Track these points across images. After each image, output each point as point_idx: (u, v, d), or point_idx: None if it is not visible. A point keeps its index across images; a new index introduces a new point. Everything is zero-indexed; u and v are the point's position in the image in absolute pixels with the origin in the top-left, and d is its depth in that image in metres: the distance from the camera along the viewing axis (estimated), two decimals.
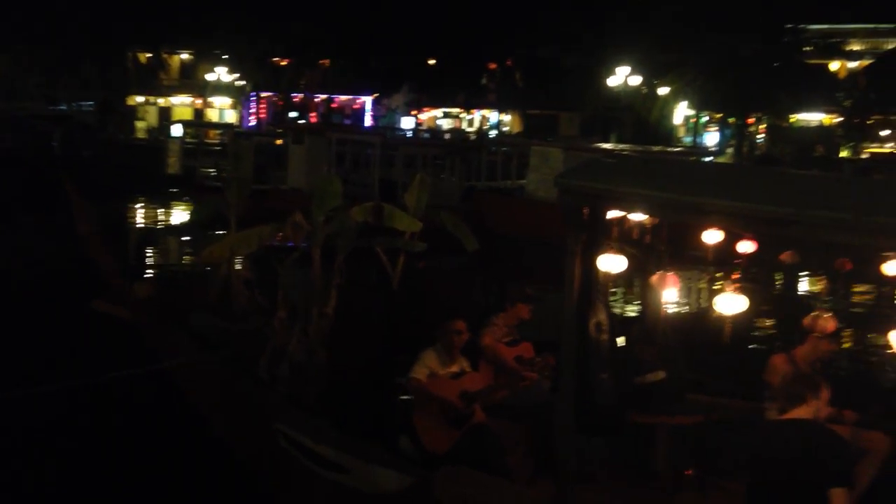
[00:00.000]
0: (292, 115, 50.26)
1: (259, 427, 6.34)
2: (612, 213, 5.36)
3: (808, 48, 42.32)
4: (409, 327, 6.88)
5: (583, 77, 42.96)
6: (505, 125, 53.75)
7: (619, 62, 38.55)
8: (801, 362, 5.86)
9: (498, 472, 5.61)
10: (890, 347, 5.04)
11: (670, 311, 6.91)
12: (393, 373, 6.30)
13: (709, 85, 38.84)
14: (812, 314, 5.24)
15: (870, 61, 40.61)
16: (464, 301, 7.53)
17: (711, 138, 46.73)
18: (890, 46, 39.92)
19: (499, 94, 52.84)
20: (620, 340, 6.46)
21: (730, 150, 41.94)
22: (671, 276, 5.61)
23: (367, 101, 54.36)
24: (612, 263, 5.04)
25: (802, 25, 42.59)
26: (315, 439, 5.96)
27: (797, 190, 4.91)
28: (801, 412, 4.51)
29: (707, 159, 33.02)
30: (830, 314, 5.11)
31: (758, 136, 45.86)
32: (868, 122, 40.25)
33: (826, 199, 4.57)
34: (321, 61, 52.96)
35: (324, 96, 54.20)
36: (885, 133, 42.74)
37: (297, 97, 52.99)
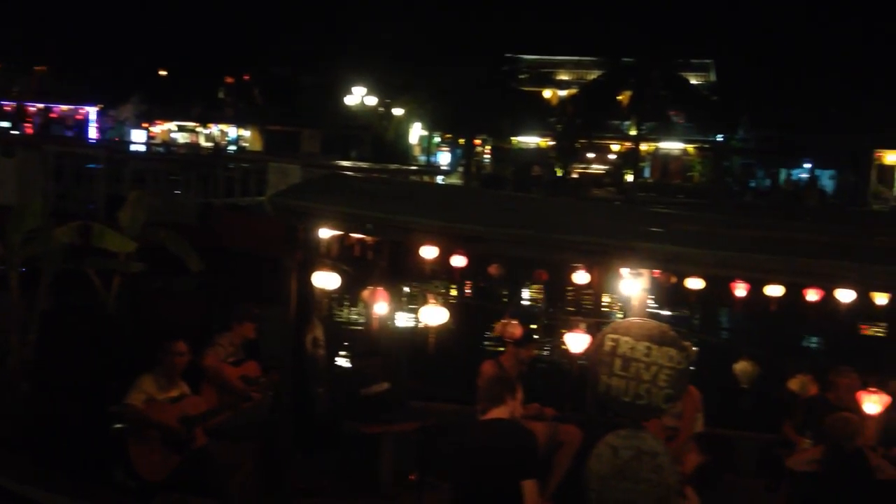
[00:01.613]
0: (3, 125, 45.43)
1: None
2: (334, 231, 5.54)
3: (524, 76, 46.12)
4: (126, 352, 6.58)
5: (321, 95, 43.33)
6: (245, 141, 52.58)
7: (356, 82, 39.46)
8: (507, 367, 6.39)
9: (220, 496, 5.55)
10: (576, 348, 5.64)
11: (395, 324, 7.21)
12: (105, 401, 5.98)
13: (439, 107, 40.97)
14: (501, 322, 5.73)
15: (576, 90, 45.07)
16: (188, 322, 7.29)
17: (444, 157, 49.24)
18: (592, 77, 44.62)
19: (237, 108, 51.64)
20: (344, 354, 6.65)
21: (461, 169, 44.47)
22: (381, 291, 5.89)
23: (92, 111, 50.57)
24: (326, 280, 5.21)
25: (520, 56, 46.44)
26: (18, 480, 5.51)
27: (493, 209, 5.42)
28: (499, 412, 4.92)
29: (439, 177, 34.91)
30: (517, 321, 5.63)
31: (485, 156, 49.13)
32: (576, 146, 44.60)
33: (514, 217, 5.11)
34: (36, 67, 48.47)
35: (41, 105, 49.62)
36: (591, 155, 47.62)
37: (9, 106, 48.05)
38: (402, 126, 43.41)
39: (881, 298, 6.07)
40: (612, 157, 48.10)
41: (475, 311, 8.67)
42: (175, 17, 43.04)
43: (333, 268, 5.27)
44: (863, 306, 6.11)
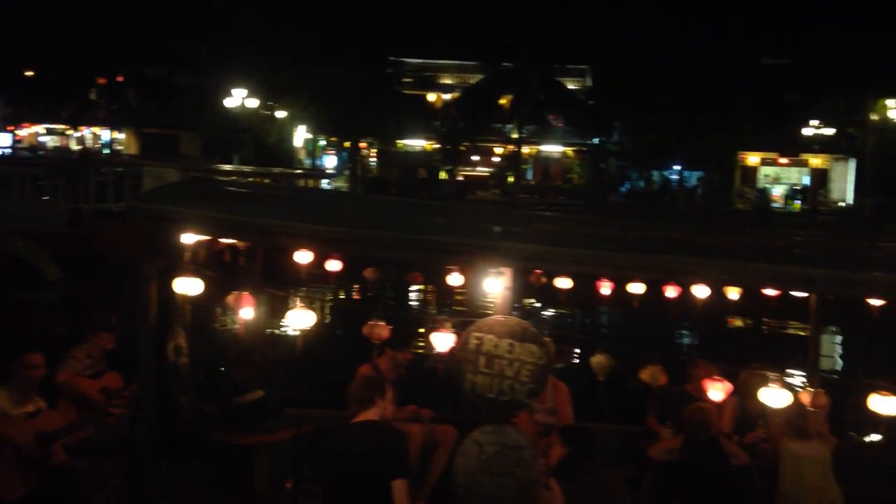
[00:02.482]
0: None
1: None
2: (200, 236, 5.40)
3: (409, 80, 46.35)
4: None
5: (199, 96, 42.08)
6: (120, 144, 50.44)
7: (235, 83, 38.59)
8: (384, 370, 6.39)
9: None
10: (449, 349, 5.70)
11: (269, 330, 7.10)
12: None
13: (323, 110, 40.59)
14: (368, 323, 5.75)
15: (459, 94, 45.66)
16: (50, 333, 6.95)
17: (330, 161, 48.84)
18: (474, 81, 45.35)
19: (110, 110, 49.47)
20: (216, 362, 6.50)
21: (347, 172, 44.23)
22: (246, 297, 5.79)
23: None
24: (187, 286, 5.08)
25: (403, 59, 46.65)
26: None
27: (364, 212, 5.43)
28: (368, 414, 4.92)
29: (325, 181, 34.63)
30: (383, 322, 5.66)
31: (371, 160, 49.04)
32: (461, 149, 45.17)
33: (384, 220, 5.15)
34: None
35: None
36: (475, 158, 48.34)
37: None
38: (285, 129, 42.73)
39: (733, 293, 6.45)
40: (496, 159, 49.00)
41: (351, 315, 8.64)
42: (41, 13, 40.85)
43: (196, 273, 5.14)
44: (722, 300, 6.50)
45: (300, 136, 45.37)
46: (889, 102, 37.26)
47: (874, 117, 37.96)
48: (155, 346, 4.90)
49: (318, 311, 5.50)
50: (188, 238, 5.30)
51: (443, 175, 45.57)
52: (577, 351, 9.99)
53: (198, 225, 4.67)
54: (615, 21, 43.48)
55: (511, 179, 43.98)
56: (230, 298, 5.86)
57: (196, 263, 5.39)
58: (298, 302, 5.13)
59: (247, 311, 5.77)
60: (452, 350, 4.86)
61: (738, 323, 15.95)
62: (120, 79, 48.36)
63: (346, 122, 41.25)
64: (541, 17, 41.07)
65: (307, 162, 46.22)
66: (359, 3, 41.06)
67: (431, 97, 48.50)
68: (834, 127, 39.05)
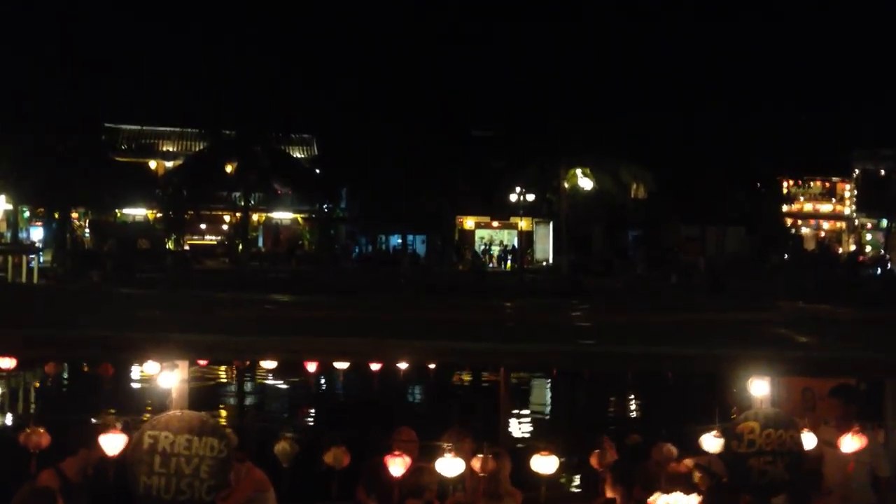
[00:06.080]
0: None
1: None
2: None
3: (125, 146, 44.03)
4: None
5: None
6: None
7: None
8: (70, 475, 5.74)
9: None
10: None
11: None
12: None
13: (26, 178, 37.22)
14: (25, 431, 5.18)
15: (181, 161, 44.06)
16: None
17: (37, 233, 44.65)
18: (197, 149, 44.07)
19: None
20: None
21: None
22: None
23: None
24: None
25: (119, 125, 44.32)
26: None
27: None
28: None
29: (31, 255, 31.43)
30: (43, 430, 5.12)
31: (85, 231, 45.54)
32: (185, 217, 43.40)
33: (42, 314, 4.77)
34: None
35: None
36: (203, 226, 46.73)
37: None
38: None
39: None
40: (224, 227, 47.72)
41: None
42: None
43: None
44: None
45: (0, 206, 41.06)
46: (577, 172, 42.00)
47: (566, 185, 42.53)
48: None
49: None
50: None
51: (169, 245, 43.40)
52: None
53: None
54: (339, 92, 44.89)
55: (240, 247, 43.02)
56: None
57: None
58: None
59: None
60: (123, 452, 4.55)
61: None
62: None
63: (54, 191, 38.07)
64: (264, 86, 41.14)
65: (8, 235, 41.80)
66: (67, 66, 38.59)
67: (152, 164, 46.35)
68: (535, 193, 42.98)
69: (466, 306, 7.00)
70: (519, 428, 12.97)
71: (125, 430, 4.57)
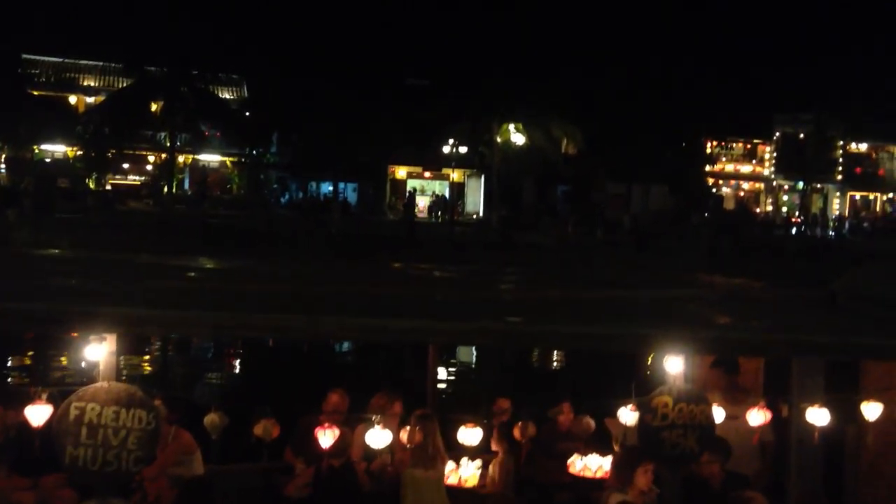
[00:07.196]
0: None
1: None
2: None
3: (44, 79, 42.06)
4: None
5: None
6: None
7: None
8: None
9: None
10: None
11: None
12: None
13: None
14: None
15: (104, 97, 42.35)
16: None
17: None
18: (122, 85, 42.38)
19: None
20: None
21: None
22: None
23: None
24: None
25: (38, 57, 42.21)
26: None
27: None
28: None
29: None
30: None
31: (1, 167, 43.59)
32: (108, 156, 41.95)
33: None
34: None
35: None
36: (126, 166, 45.27)
37: None
38: None
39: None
40: (149, 168, 46.34)
41: None
42: None
43: None
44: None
45: None
46: (510, 127, 42.10)
47: (499, 139, 42.64)
48: None
49: None
50: None
51: (91, 184, 41.92)
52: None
53: None
54: (272, 32, 43.63)
55: (166, 189, 41.91)
56: None
57: None
58: None
59: None
60: (49, 423, 4.52)
61: None
62: None
63: None
64: (192, 23, 39.67)
65: None
66: None
67: (73, 100, 44.44)
68: (467, 146, 42.99)
69: (396, 276, 7.04)
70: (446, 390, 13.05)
71: (50, 400, 4.53)
